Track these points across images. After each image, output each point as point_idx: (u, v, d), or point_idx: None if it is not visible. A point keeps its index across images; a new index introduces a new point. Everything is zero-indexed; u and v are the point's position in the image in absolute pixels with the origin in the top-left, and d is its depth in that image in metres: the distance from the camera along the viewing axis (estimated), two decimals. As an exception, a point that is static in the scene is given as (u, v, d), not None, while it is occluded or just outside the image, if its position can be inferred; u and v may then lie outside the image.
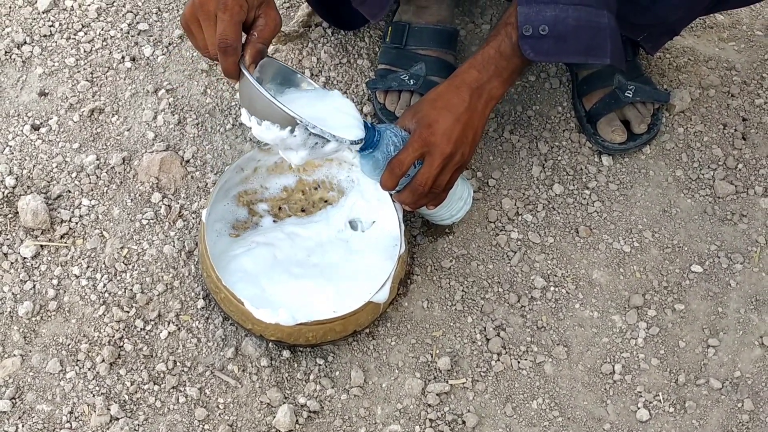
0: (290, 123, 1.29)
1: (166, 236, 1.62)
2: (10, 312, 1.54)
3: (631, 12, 1.52)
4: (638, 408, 1.52)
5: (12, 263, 1.58)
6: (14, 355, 1.51)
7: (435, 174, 1.39)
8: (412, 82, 1.71)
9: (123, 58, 1.83)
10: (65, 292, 1.57)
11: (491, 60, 1.40)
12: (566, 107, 1.80)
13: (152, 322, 1.54)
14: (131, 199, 1.66)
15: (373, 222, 1.62)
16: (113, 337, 1.52)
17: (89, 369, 1.50)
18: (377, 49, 1.86)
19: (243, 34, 1.34)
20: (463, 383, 1.52)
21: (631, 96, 1.71)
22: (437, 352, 1.55)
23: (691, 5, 1.56)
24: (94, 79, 1.80)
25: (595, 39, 1.37)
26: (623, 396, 1.53)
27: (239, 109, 1.35)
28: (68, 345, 1.52)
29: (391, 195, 1.52)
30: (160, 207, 1.65)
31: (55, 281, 1.57)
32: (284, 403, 1.48)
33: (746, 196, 1.71)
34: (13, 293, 1.56)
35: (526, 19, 1.34)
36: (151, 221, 1.64)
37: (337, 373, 1.53)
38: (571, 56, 1.40)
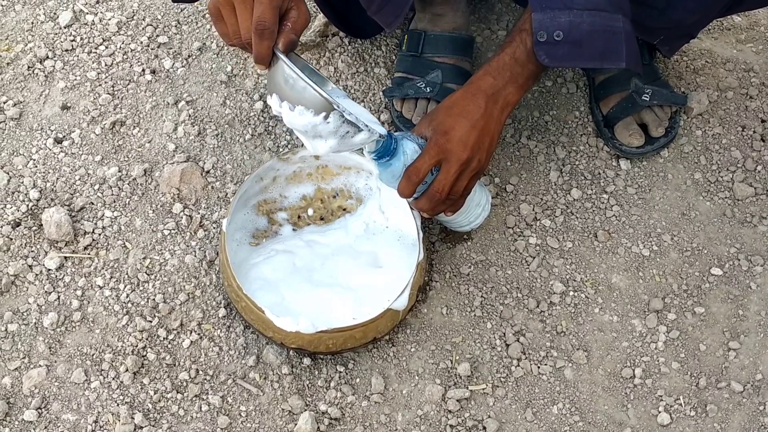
0: (325, 109, 1.27)
1: (188, 246, 1.64)
2: (35, 323, 1.57)
3: (647, 16, 1.52)
4: (659, 412, 1.52)
5: (37, 275, 1.61)
6: (40, 365, 1.53)
7: (452, 180, 1.40)
8: (428, 90, 1.72)
9: (143, 70, 1.85)
10: (89, 302, 1.59)
11: (506, 66, 1.40)
12: (583, 112, 1.81)
13: (175, 332, 1.56)
14: (153, 210, 1.68)
15: (386, 228, 1.63)
16: (136, 346, 1.54)
17: (113, 378, 1.52)
18: (394, 57, 1.87)
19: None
20: (483, 389, 1.53)
21: (648, 99, 1.71)
22: (457, 358, 1.56)
23: (707, 8, 1.56)
24: (116, 92, 1.83)
25: (610, 44, 1.37)
26: (644, 400, 1.53)
27: (268, 97, 1.33)
28: (92, 355, 1.54)
29: (408, 202, 1.53)
30: (182, 217, 1.67)
31: (79, 292, 1.60)
32: (305, 410, 1.49)
33: (766, 198, 1.71)
34: (38, 304, 1.58)
35: (541, 25, 1.35)
36: (172, 231, 1.66)
37: (358, 380, 1.54)
38: (586, 61, 1.40)
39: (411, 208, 1.56)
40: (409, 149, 1.40)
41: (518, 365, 1.55)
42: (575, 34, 1.34)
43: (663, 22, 1.56)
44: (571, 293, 1.62)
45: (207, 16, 1.94)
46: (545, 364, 1.55)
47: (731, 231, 1.68)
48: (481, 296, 1.61)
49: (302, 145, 1.52)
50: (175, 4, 1.89)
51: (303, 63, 1.41)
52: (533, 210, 1.69)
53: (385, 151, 1.39)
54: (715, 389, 1.54)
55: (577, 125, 1.79)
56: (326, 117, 1.29)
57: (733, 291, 1.62)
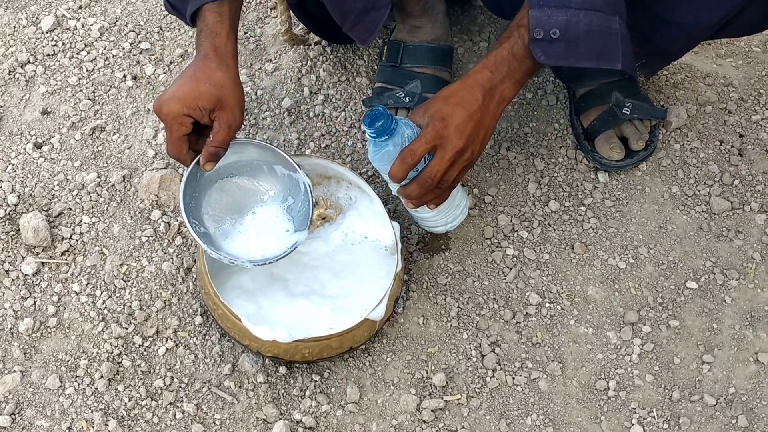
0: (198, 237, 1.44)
1: (165, 253, 1.64)
2: (10, 328, 1.56)
3: (632, 40, 1.53)
4: (632, 424, 1.52)
5: (13, 280, 1.61)
6: (14, 371, 1.53)
7: (445, 168, 1.39)
8: (407, 100, 1.72)
9: (125, 76, 1.85)
10: (65, 308, 1.59)
11: (504, 61, 1.39)
12: (563, 124, 1.82)
13: (150, 339, 1.56)
14: (131, 217, 1.68)
15: (365, 238, 1.63)
16: (112, 353, 1.54)
17: (88, 385, 1.52)
18: (376, 67, 1.88)
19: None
20: (458, 399, 1.54)
21: (628, 113, 1.71)
22: (432, 368, 1.56)
23: (690, 38, 1.57)
24: (96, 98, 1.83)
25: (606, 44, 1.37)
26: (617, 412, 1.53)
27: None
28: (68, 361, 1.54)
29: (394, 190, 1.49)
30: (160, 224, 1.67)
31: (55, 298, 1.59)
32: (280, 419, 1.49)
33: (742, 212, 1.72)
34: (14, 310, 1.58)
35: (538, 22, 1.34)
36: (150, 238, 1.66)
37: (333, 389, 1.54)
38: (582, 60, 1.38)
39: (390, 220, 1.56)
40: (405, 133, 1.39)
41: (493, 376, 1.56)
42: (572, 32, 1.34)
43: (647, 48, 1.56)
44: (547, 305, 1.62)
45: (189, 22, 1.95)
46: (520, 375, 1.56)
47: (707, 245, 1.69)
48: (458, 307, 1.62)
49: None
50: (165, 11, 1.90)
51: (253, 147, 1.54)
52: (511, 221, 1.70)
53: (384, 130, 1.37)
54: (688, 402, 1.54)
55: (556, 137, 1.80)
56: (196, 225, 1.47)
57: (708, 305, 1.63)
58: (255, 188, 1.57)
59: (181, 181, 1.46)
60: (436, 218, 1.55)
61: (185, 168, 1.45)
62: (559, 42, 1.34)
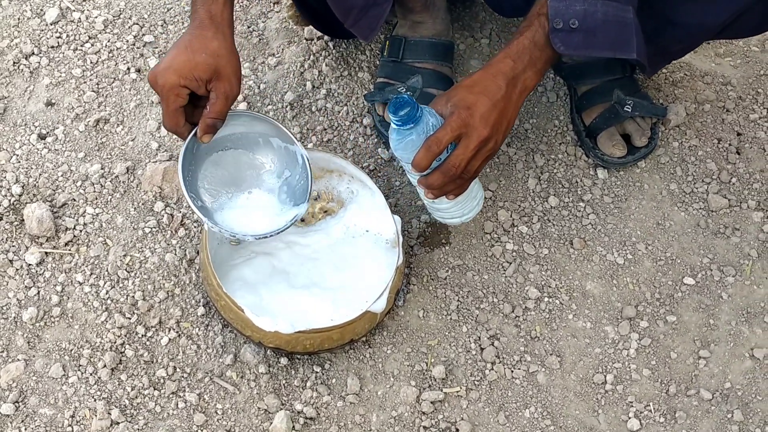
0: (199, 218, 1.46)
1: (168, 244, 1.66)
2: (14, 317, 1.58)
3: None
4: (629, 418, 1.54)
5: (17, 270, 1.62)
6: (18, 359, 1.54)
7: (469, 156, 1.38)
8: (408, 95, 1.74)
9: (129, 69, 1.86)
10: (69, 298, 1.60)
11: (526, 50, 1.38)
12: (563, 121, 1.83)
13: (153, 329, 1.58)
14: (134, 208, 1.70)
15: (366, 231, 1.64)
16: (115, 343, 1.56)
17: (91, 374, 1.53)
18: (377, 62, 1.89)
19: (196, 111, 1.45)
20: (457, 392, 1.55)
21: (630, 111, 1.73)
22: (432, 360, 1.58)
23: (694, 38, 1.59)
24: (100, 90, 1.84)
25: (622, 34, 1.37)
26: (615, 406, 1.55)
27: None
28: (71, 350, 1.55)
29: (414, 180, 1.48)
30: (163, 216, 1.69)
31: (59, 287, 1.61)
32: (281, 409, 1.51)
33: (739, 209, 1.74)
34: (17, 299, 1.59)
35: (557, 12, 1.34)
36: (153, 230, 1.67)
37: (334, 380, 1.56)
38: (599, 50, 1.38)
39: (392, 213, 1.57)
40: (430, 121, 1.37)
41: (492, 369, 1.57)
42: (589, 22, 1.34)
43: (650, 47, 1.57)
44: (546, 299, 1.64)
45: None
46: (519, 369, 1.58)
47: (705, 241, 1.71)
48: (458, 300, 1.63)
49: None
50: (168, 4, 1.91)
51: (248, 118, 1.54)
52: (511, 216, 1.72)
53: (409, 118, 1.35)
54: (684, 396, 1.56)
55: (556, 134, 1.82)
56: (195, 200, 1.47)
57: (704, 300, 1.65)
58: (251, 161, 1.56)
59: (178, 155, 1.45)
60: (453, 209, 1.53)
61: (182, 141, 1.44)
62: (578, 32, 1.34)
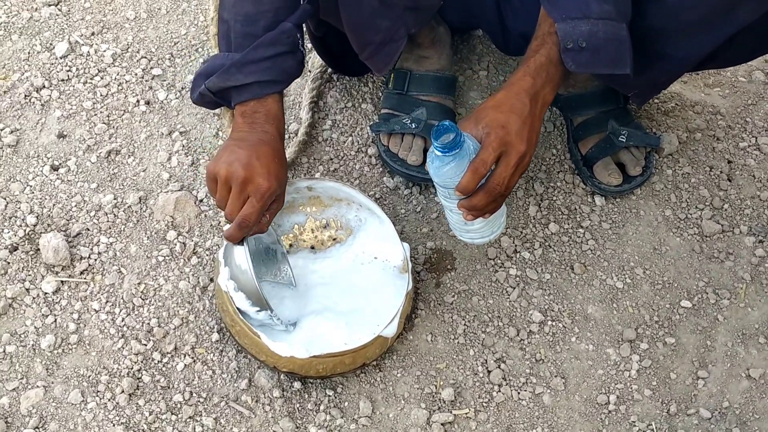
0: (261, 305, 1.53)
1: (181, 272, 1.70)
2: (32, 345, 1.61)
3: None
4: (632, 437, 1.60)
5: (34, 298, 1.66)
6: (37, 386, 1.57)
7: (510, 174, 1.42)
8: (413, 126, 1.79)
9: (138, 101, 1.91)
10: (85, 325, 1.64)
11: (543, 67, 1.44)
12: (560, 150, 1.90)
13: (169, 355, 1.62)
14: (147, 237, 1.74)
15: (375, 258, 1.69)
16: (132, 368, 1.59)
17: (109, 399, 1.56)
18: (380, 94, 1.95)
19: None
20: (466, 413, 1.60)
21: (624, 141, 1.80)
22: (441, 383, 1.63)
23: (681, 69, 1.66)
24: (111, 122, 1.88)
25: (619, 51, 1.43)
26: (618, 425, 1.60)
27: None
28: (89, 376, 1.59)
29: (447, 204, 1.51)
30: (175, 244, 1.73)
31: (75, 315, 1.64)
32: (296, 432, 1.55)
33: (732, 234, 1.80)
34: (35, 327, 1.63)
35: (566, 34, 1.41)
36: (166, 258, 1.71)
37: (346, 403, 1.60)
38: (602, 68, 1.44)
39: (401, 241, 1.63)
40: (471, 145, 1.40)
41: (499, 391, 1.62)
42: (594, 41, 1.40)
43: (639, 80, 1.63)
44: (549, 323, 1.70)
45: (200, 49, 2.01)
46: (525, 390, 1.63)
47: (700, 266, 1.77)
48: (464, 324, 1.68)
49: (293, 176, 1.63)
50: (175, 39, 1.96)
51: (273, 239, 1.65)
52: (513, 242, 1.77)
53: (454, 145, 1.38)
54: (684, 416, 1.62)
55: (554, 162, 1.88)
56: (258, 310, 1.53)
57: (701, 323, 1.71)
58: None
59: (244, 249, 1.52)
60: (484, 229, 1.55)
61: (245, 238, 1.51)
62: (586, 51, 1.40)
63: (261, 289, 1.51)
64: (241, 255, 1.51)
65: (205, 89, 1.51)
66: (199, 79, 1.52)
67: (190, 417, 1.56)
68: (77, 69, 1.96)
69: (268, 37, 1.47)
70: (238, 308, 1.52)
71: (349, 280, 1.67)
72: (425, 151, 1.80)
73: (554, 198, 1.84)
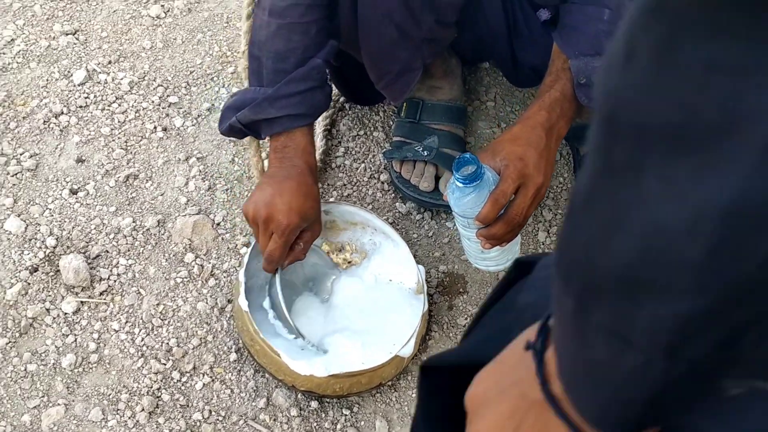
0: (295, 332, 1.61)
1: (199, 294, 1.73)
2: (53, 364, 1.64)
3: None
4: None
5: (54, 318, 1.68)
6: (58, 404, 1.60)
7: (528, 204, 1.47)
8: (426, 153, 1.84)
9: (155, 128, 1.95)
10: (105, 345, 1.66)
11: (557, 102, 1.50)
12: (567, 178, 1.95)
13: (188, 374, 1.64)
14: (166, 259, 1.77)
15: (390, 281, 1.73)
16: (151, 387, 1.62)
17: (129, 418, 1.59)
18: (391, 122, 2.00)
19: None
20: (480, 433, 1.63)
21: (627, 169, 1.85)
22: (455, 403, 1.66)
23: None
24: (128, 147, 1.92)
25: None
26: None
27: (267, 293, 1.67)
28: (109, 395, 1.61)
29: (466, 233, 1.54)
30: (193, 266, 1.76)
31: (95, 335, 1.67)
32: (314, 450, 1.58)
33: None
34: (56, 346, 1.65)
35: (579, 70, 1.47)
36: (184, 279, 1.75)
37: (363, 423, 1.63)
38: None
39: (416, 263, 1.67)
40: (490, 176, 1.43)
41: (512, 411, 1.65)
42: None
43: None
44: (560, 345, 1.73)
45: (215, 78, 2.06)
46: (537, 411, 1.66)
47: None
48: (477, 346, 1.72)
49: None
50: (191, 68, 2.01)
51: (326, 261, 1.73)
52: (523, 267, 1.81)
53: (476, 176, 1.41)
54: None
55: (561, 190, 1.93)
56: (296, 337, 1.61)
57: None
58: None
59: (277, 279, 1.60)
60: (499, 257, 1.60)
61: (275, 272, 1.60)
62: None
63: (291, 319, 1.60)
64: (275, 285, 1.59)
65: (236, 121, 1.56)
66: (229, 111, 1.58)
67: (209, 435, 1.59)
68: (95, 96, 2.00)
69: (299, 72, 1.52)
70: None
71: (364, 300, 1.71)
72: (437, 178, 1.85)
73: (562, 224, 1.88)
